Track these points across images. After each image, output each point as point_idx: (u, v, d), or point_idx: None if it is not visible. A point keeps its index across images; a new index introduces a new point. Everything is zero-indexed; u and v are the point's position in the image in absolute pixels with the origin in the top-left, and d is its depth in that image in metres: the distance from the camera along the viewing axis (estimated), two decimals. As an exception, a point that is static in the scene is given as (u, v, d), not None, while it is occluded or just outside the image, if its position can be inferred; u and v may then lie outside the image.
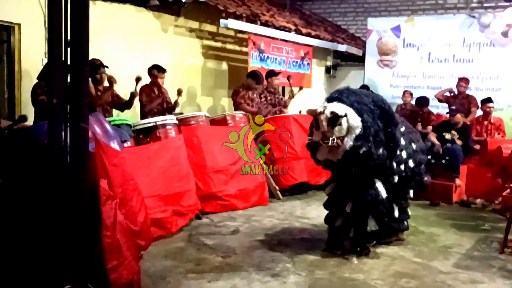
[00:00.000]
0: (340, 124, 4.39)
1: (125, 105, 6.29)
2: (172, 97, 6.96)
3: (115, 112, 6.29)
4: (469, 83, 8.73)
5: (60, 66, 2.92)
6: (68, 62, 3.00)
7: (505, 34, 9.40)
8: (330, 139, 4.39)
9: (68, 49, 2.99)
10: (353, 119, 4.42)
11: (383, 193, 4.75)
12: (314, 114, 4.54)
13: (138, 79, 6.29)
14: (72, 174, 2.96)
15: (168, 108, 6.84)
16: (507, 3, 10.80)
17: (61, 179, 2.91)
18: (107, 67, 5.92)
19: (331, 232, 4.98)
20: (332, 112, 4.40)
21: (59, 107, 2.87)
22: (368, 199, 4.66)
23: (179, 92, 6.94)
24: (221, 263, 4.45)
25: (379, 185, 4.76)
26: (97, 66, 5.79)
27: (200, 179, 6.03)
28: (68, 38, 2.99)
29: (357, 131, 4.41)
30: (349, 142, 4.40)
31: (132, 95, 6.27)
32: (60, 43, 2.92)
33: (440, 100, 8.89)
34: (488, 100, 7.93)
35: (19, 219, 3.04)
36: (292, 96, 8.63)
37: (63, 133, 2.93)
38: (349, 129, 4.41)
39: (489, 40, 9.62)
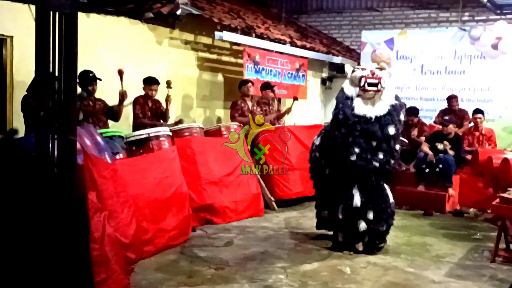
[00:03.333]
0: (386, 71, 5.08)
1: (113, 116, 6.29)
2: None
3: (111, 124, 6.31)
4: (458, 98, 8.83)
5: (48, 78, 2.93)
6: (57, 75, 3.02)
7: (495, 47, 9.56)
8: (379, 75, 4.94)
9: (57, 61, 3.01)
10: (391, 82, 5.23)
11: (391, 197, 5.24)
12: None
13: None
14: (59, 186, 2.96)
15: (162, 113, 6.87)
16: (498, 17, 10.93)
17: (48, 191, 2.91)
18: (100, 79, 5.96)
19: (346, 236, 5.17)
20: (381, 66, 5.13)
21: (46, 119, 2.88)
22: (385, 208, 5.14)
23: (168, 84, 6.91)
24: (214, 275, 4.43)
25: (387, 188, 5.23)
26: (91, 78, 5.85)
27: (194, 191, 6.00)
28: (57, 50, 3.01)
29: (394, 91, 5.15)
30: (391, 98, 5.01)
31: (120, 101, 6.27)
32: (47, 56, 2.94)
33: (435, 122, 8.89)
34: (477, 111, 8.06)
35: (4, 230, 3.04)
36: (288, 111, 8.60)
37: (50, 145, 2.93)
38: (387, 87, 5.03)
39: (480, 53, 9.80)
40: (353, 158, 4.97)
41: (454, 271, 4.73)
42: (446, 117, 7.90)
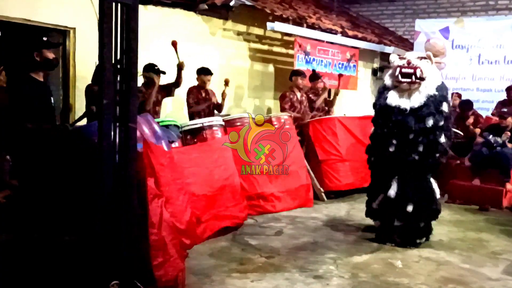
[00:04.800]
0: (429, 60, 4.87)
1: (174, 85, 6.35)
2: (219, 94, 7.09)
3: (163, 113, 6.43)
4: None
5: (111, 68, 3.03)
6: (118, 65, 3.12)
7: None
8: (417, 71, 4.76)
9: (119, 51, 3.11)
10: (437, 71, 4.98)
11: (438, 193, 5.04)
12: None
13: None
14: (120, 173, 3.07)
15: (216, 106, 6.97)
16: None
17: (110, 177, 3.02)
18: (164, 73, 6.11)
19: (383, 228, 5.15)
20: (427, 54, 4.97)
21: (109, 107, 2.98)
22: (427, 202, 4.98)
23: (226, 83, 7.02)
24: (265, 264, 4.48)
25: (435, 184, 5.04)
26: (156, 71, 6.03)
27: (245, 180, 6.08)
28: (119, 40, 3.11)
29: (438, 81, 4.86)
30: (431, 89, 4.79)
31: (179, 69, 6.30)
32: (110, 46, 3.03)
33: (493, 114, 8.61)
34: None
35: (68, 216, 3.18)
36: (336, 93, 8.53)
37: (112, 132, 3.04)
38: (430, 77, 4.82)
39: (542, 41, 9.37)
40: (392, 149, 4.92)
41: (512, 269, 4.60)
42: (505, 109, 7.64)
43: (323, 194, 7.19)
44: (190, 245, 4.11)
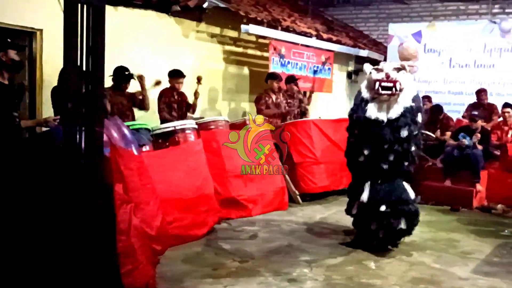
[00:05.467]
0: (405, 71, 4.90)
1: (140, 104, 6.28)
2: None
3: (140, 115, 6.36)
4: (487, 92, 8.68)
5: (76, 70, 2.97)
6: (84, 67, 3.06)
7: (526, 40, 9.35)
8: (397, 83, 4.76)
9: (85, 53, 3.04)
10: (412, 82, 5.06)
11: (412, 194, 5.02)
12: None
13: (158, 83, 6.32)
14: (85, 177, 3.00)
15: (188, 106, 6.92)
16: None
17: (75, 182, 2.95)
18: (134, 79, 6.05)
19: (361, 234, 5.12)
20: (402, 65, 5.02)
21: (74, 111, 2.92)
22: (401, 203, 4.93)
23: (199, 80, 6.97)
24: (238, 268, 4.44)
25: (407, 186, 5.03)
26: (126, 76, 5.96)
27: (219, 184, 6.03)
28: (85, 42, 3.05)
29: (414, 92, 4.92)
30: (408, 100, 4.82)
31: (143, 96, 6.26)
32: (76, 47, 2.97)
33: (464, 117, 8.75)
34: (506, 105, 7.95)
35: (32, 222, 3.09)
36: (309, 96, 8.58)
37: (77, 136, 2.97)
38: (406, 88, 4.83)
39: (510, 46, 9.68)
40: (361, 159, 4.94)
41: (482, 268, 4.65)
42: (475, 112, 7.77)
43: (298, 197, 7.18)
44: (162, 251, 4.05)
